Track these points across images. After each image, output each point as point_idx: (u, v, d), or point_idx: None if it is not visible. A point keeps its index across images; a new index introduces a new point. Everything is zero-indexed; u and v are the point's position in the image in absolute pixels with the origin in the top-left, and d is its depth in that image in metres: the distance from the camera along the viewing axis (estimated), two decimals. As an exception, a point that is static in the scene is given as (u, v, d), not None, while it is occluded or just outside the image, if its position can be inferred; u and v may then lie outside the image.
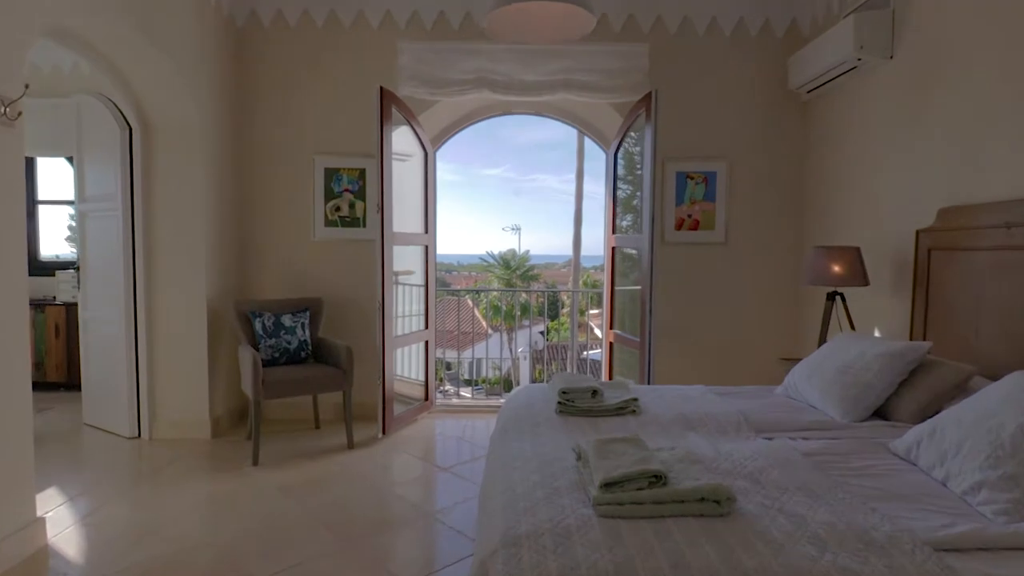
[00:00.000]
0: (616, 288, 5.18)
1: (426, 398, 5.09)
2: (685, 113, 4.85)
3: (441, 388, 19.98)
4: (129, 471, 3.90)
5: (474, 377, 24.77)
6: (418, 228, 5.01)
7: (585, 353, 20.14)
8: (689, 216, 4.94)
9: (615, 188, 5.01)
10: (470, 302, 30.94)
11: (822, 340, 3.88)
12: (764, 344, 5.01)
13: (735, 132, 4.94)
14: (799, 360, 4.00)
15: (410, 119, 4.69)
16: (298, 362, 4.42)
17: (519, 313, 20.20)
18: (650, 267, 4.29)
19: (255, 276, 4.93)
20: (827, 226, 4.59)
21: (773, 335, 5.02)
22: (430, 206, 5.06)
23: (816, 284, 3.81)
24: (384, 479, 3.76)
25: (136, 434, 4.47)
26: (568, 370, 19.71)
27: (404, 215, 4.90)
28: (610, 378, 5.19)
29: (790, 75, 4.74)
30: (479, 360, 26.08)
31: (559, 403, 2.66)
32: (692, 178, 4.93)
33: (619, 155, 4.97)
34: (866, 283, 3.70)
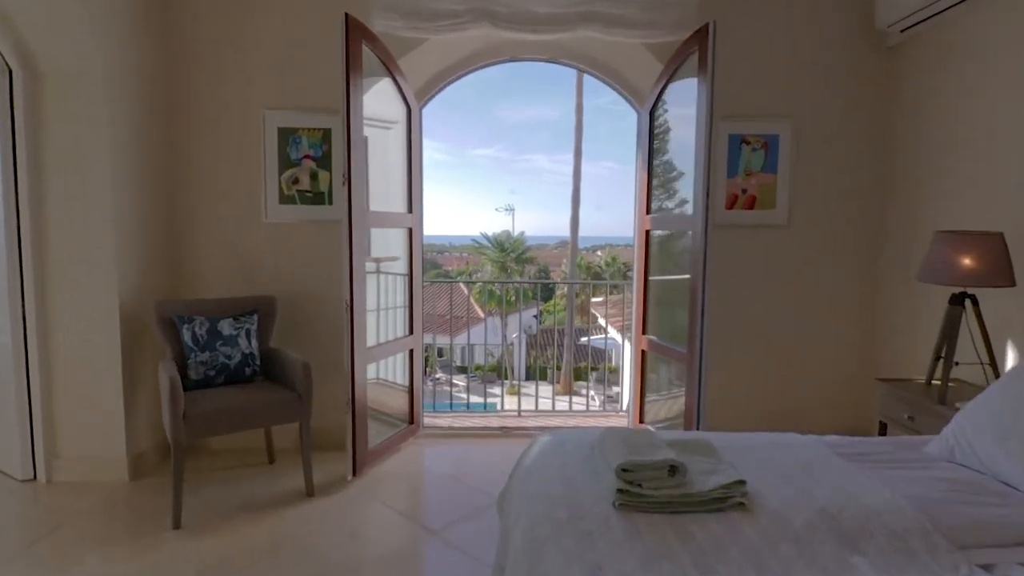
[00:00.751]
0: (650, 279, 4.13)
1: (411, 420, 4.05)
2: (739, 58, 3.78)
3: (433, 376, 19.00)
4: (2, 535, 2.86)
5: (468, 363, 23.81)
6: (400, 207, 3.94)
7: (584, 339, 19.18)
8: (744, 191, 3.90)
9: (650, 157, 3.94)
10: (463, 287, 29.86)
11: (945, 358, 2.87)
12: (839, 357, 4.02)
13: (803, 83, 3.88)
14: (899, 382, 3.01)
15: (388, 64, 3.59)
16: (241, 381, 3.38)
17: (514, 298, 19.18)
18: (703, 257, 3.26)
19: (188, 270, 3.85)
20: (927, 206, 3.56)
21: (852, 346, 4.02)
22: (415, 180, 3.98)
23: (937, 282, 2.80)
24: (347, 555, 2.74)
25: (31, 476, 3.42)
26: (565, 358, 18.72)
27: (384, 192, 3.84)
28: (640, 397, 4.17)
29: (878, 9, 3.68)
30: (472, 346, 25.11)
31: (621, 491, 1.63)
32: (748, 143, 3.88)
33: (656, 113, 3.90)
34: (1011, 282, 2.69)
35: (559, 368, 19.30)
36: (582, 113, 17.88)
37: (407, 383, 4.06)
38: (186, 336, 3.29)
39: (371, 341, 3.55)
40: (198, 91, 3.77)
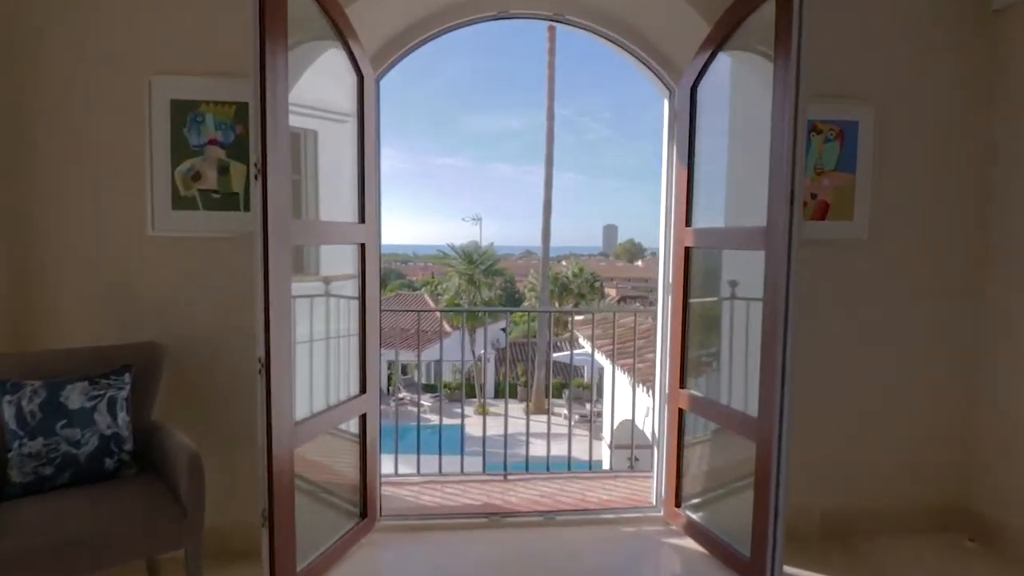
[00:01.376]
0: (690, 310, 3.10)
1: (363, 512, 2.91)
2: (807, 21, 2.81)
3: (397, 396, 17.70)
4: None
5: (434, 380, 22.53)
6: (349, 215, 2.83)
7: (556, 356, 18.19)
8: (813, 196, 2.92)
9: (692, 150, 2.92)
10: (428, 299, 28.59)
11: None
12: (938, 416, 3.07)
13: (888, 56, 2.95)
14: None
15: (331, 13, 2.50)
16: (99, 480, 2.21)
17: (482, 313, 18.09)
18: (785, 289, 2.26)
19: (33, 307, 2.66)
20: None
21: (955, 402, 3.08)
22: (368, 181, 2.88)
23: None
24: None
25: None
26: (538, 374, 17.69)
27: (333, 198, 2.75)
28: (677, 473, 3.09)
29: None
30: (438, 362, 23.82)
31: None
32: (819, 131, 2.90)
33: (699, 89, 2.88)
34: None
35: (526, 384, 18.24)
36: (553, 119, 17.00)
37: (359, 458, 2.93)
38: (7, 414, 2.11)
39: (303, 409, 2.42)
40: (53, 49, 2.60)
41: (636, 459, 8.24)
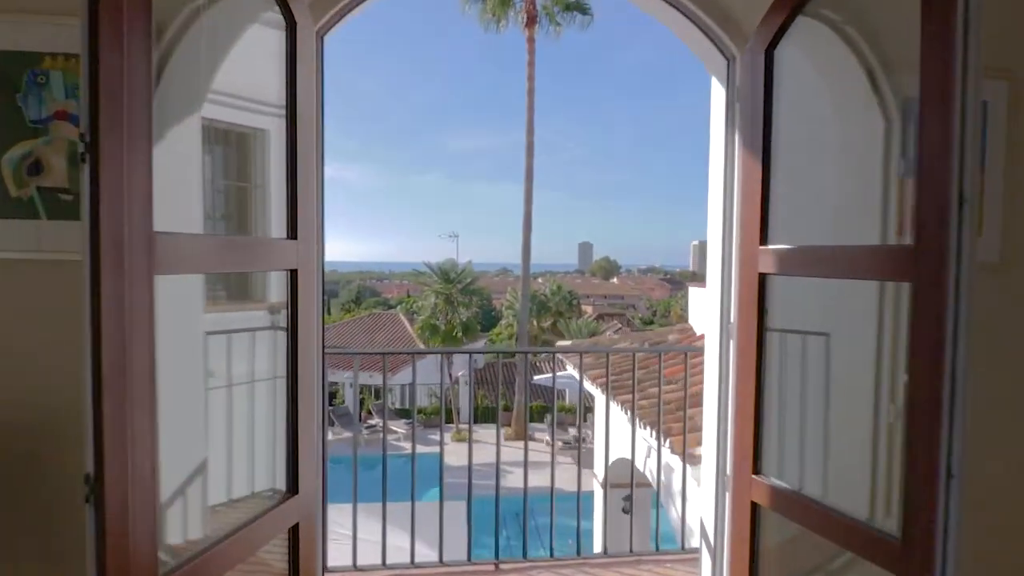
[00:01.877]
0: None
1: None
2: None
3: (368, 422, 16.57)
4: None
5: (408, 405, 21.41)
6: (276, 228, 1.93)
7: (537, 379, 17.28)
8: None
9: (767, 140, 2.06)
10: (403, 318, 27.51)
11: None
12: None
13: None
14: None
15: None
16: None
17: (459, 334, 17.18)
18: (952, 337, 1.43)
19: None
20: None
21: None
22: (305, 182, 1.97)
23: None
24: None
25: None
26: (518, 399, 16.74)
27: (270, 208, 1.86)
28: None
29: None
30: (413, 385, 22.74)
31: None
32: (936, 114, 2.09)
33: (778, 60, 2.04)
34: None
35: (507, 408, 17.25)
36: (533, 134, 16.28)
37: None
38: None
39: (189, 529, 1.49)
40: None
41: (631, 504, 7.37)
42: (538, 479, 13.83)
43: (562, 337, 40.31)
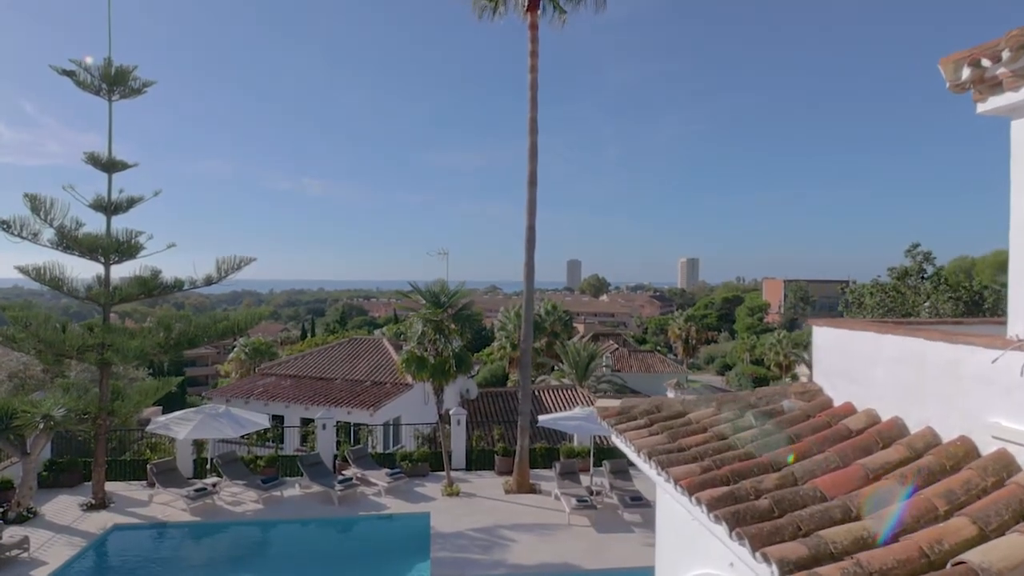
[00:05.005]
0: None
1: None
2: None
3: (341, 475, 14.00)
4: None
5: (391, 449, 18.86)
6: None
7: (543, 420, 14.83)
8: None
9: None
10: (387, 344, 25.08)
11: None
12: None
13: None
14: None
15: None
16: None
17: (450, 367, 14.79)
18: None
19: None
20: None
21: None
22: None
23: None
24: None
25: None
26: (520, 444, 14.35)
27: None
28: None
29: None
30: (397, 424, 20.16)
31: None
32: None
33: None
34: None
35: (504, 452, 14.83)
36: (536, 134, 14.14)
37: None
38: None
39: None
40: None
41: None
42: (550, 551, 10.94)
43: (559, 360, 38.16)
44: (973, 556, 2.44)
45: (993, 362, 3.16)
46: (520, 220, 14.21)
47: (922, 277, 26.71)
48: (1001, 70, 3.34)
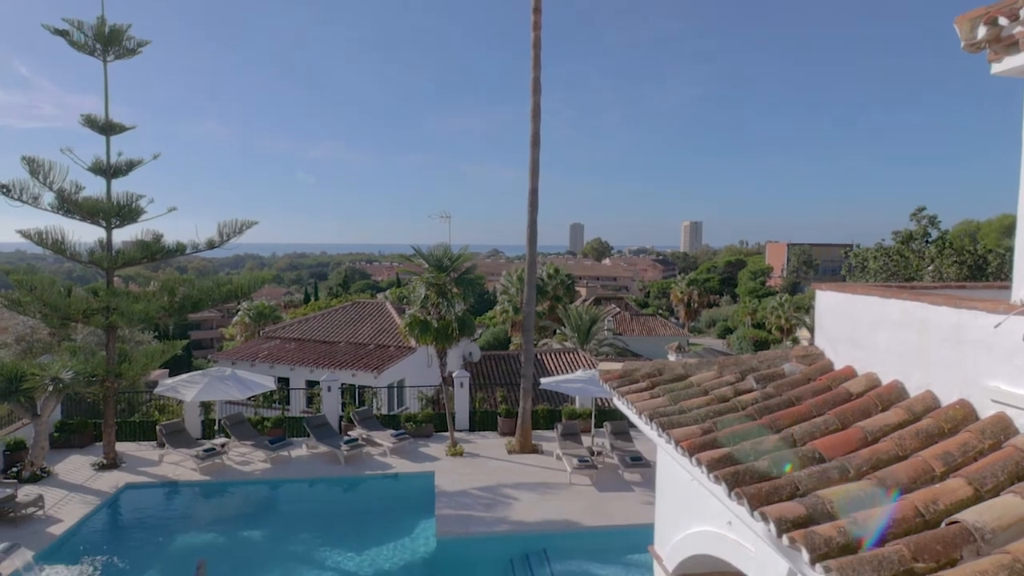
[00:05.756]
0: None
1: None
2: None
3: (347, 435, 14.30)
4: None
5: (396, 411, 19.15)
6: None
7: (545, 382, 14.98)
8: None
9: None
10: (390, 307, 25.20)
11: None
12: None
13: None
14: None
15: None
16: None
17: (455, 331, 14.89)
18: None
19: None
20: None
21: None
22: None
23: None
24: None
25: None
26: (523, 405, 14.55)
27: None
28: None
29: None
30: (401, 387, 20.42)
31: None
32: None
33: None
34: None
35: (507, 414, 15.03)
36: (539, 94, 13.89)
37: None
38: None
39: None
40: None
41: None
42: (551, 509, 11.25)
43: (561, 323, 38.38)
44: (968, 516, 2.49)
45: (996, 327, 3.17)
46: (523, 183, 14.11)
47: (927, 241, 26.58)
48: (1018, 29, 3.25)
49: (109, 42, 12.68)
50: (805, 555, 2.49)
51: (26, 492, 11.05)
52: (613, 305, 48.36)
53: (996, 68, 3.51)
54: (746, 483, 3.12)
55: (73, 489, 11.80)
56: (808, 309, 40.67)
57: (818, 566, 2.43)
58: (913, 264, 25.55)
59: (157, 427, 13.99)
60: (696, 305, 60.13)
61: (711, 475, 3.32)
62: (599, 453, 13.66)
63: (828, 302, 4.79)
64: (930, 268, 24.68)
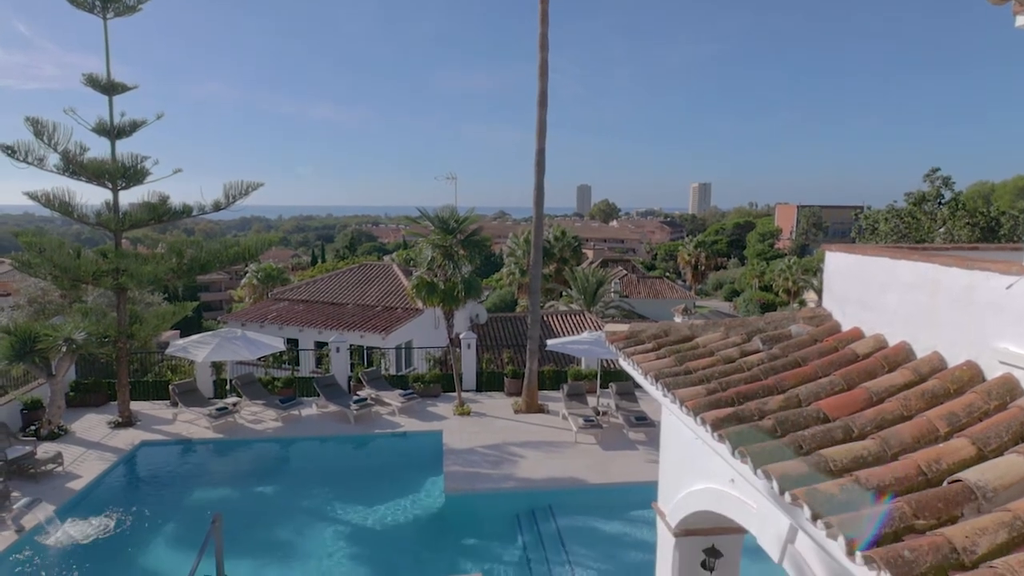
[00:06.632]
0: None
1: None
2: None
3: (356, 395, 14.52)
4: None
5: (404, 371, 19.37)
6: None
7: (551, 343, 15.07)
8: None
9: None
10: (397, 269, 25.23)
11: None
12: None
13: None
14: None
15: None
16: None
17: (461, 292, 14.92)
18: None
19: None
20: None
21: None
22: None
23: None
24: None
25: None
26: (529, 366, 14.67)
27: None
28: None
29: None
30: (409, 348, 20.60)
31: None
32: None
33: None
34: None
35: (513, 375, 15.19)
36: (546, 50, 13.57)
37: None
38: None
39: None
40: None
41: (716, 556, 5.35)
42: (557, 467, 11.47)
43: (567, 285, 38.38)
44: (970, 475, 2.52)
45: (1008, 288, 3.14)
46: (529, 144, 13.90)
47: (939, 203, 26.18)
48: (1047, -22, 3.12)
49: (107, -2, 12.42)
50: (807, 512, 2.53)
51: (45, 449, 11.35)
52: (620, 267, 48.23)
53: (1021, 21, 3.38)
54: (750, 442, 3.15)
55: (90, 446, 12.11)
56: (816, 272, 40.48)
57: (819, 522, 2.47)
58: (925, 226, 25.24)
59: (170, 387, 14.24)
60: (703, 268, 59.91)
61: (715, 434, 3.36)
62: (604, 413, 13.82)
63: (838, 263, 4.75)
64: (941, 230, 24.39)
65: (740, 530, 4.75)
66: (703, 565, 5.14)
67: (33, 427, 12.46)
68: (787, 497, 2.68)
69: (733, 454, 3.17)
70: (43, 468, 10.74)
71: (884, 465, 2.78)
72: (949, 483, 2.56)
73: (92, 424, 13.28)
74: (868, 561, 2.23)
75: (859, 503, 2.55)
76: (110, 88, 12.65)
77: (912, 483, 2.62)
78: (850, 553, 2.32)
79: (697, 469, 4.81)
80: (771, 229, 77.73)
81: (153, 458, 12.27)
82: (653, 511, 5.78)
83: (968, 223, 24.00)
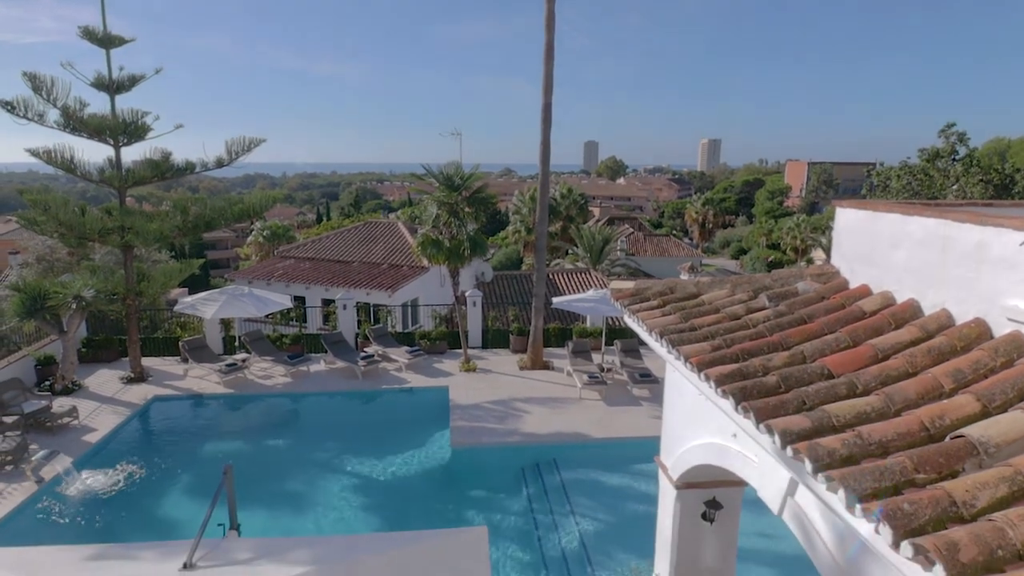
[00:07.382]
0: None
1: None
2: None
3: (364, 352, 14.67)
4: None
5: (410, 328, 19.50)
6: None
7: (557, 301, 15.09)
8: None
9: None
10: (403, 227, 25.13)
11: None
12: None
13: None
14: None
15: None
16: None
17: (466, 250, 14.88)
18: None
19: None
20: None
21: None
22: None
23: None
24: None
25: None
26: (535, 324, 14.75)
27: None
28: None
29: None
30: (415, 305, 20.68)
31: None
32: None
33: None
34: None
35: (519, 332, 15.32)
36: (554, 2, 13.14)
37: None
38: None
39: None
40: None
41: (713, 511, 5.45)
42: (561, 422, 11.64)
43: (573, 244, 38.21)
44: (973, 431, 2.52)
45: (1021, 244, 3.08)
46: (536, 99, 13.61)
47: (953, 159, 25.64)
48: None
49: (100, -54, 12.03)
50: (808, 466, 2.55)
51: (60, 403, 11.60)
52: (626, 225, 47.89)
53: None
54: (753, 397, 3.17)
55: (104, 401, 12.36)
56: (824, 230, 40.02)
57: (820, 476, 2.50)
58: (938, 183, 24.79)
59: (180, 343, 14.42)
60: (711, 226, 59.45)
61: (719, 390, 3.37)
62: (609, 370, 13.95)
63: (848, 219, 4.68)
64: (954, 187, 23.96)
65: (740, 483, 4.83)
66: (703, 516, 5.25)
67: (47, 382, 12.71)
68: (789, 451, 2.71)
69: (736, 409, 3.19)
70: (59, 421, 10.99)
71: (887, 421, 2.79)
72: (951, 439, 2.57)
73: (105, 379, 13.52)
74: (867, 513, 2.25)
75: (860, 457, 2.57)
76: (107, 41, 12.39)
77: (915, 439, 2.63)
78: (850, 506, 2.35)
79: (700, 424, 4.87)
80: (780, 187, 76.62)
81: (165, 412, 12.53)
82: (655, 465, 5.88)
83: (981, 180, 23.55)
